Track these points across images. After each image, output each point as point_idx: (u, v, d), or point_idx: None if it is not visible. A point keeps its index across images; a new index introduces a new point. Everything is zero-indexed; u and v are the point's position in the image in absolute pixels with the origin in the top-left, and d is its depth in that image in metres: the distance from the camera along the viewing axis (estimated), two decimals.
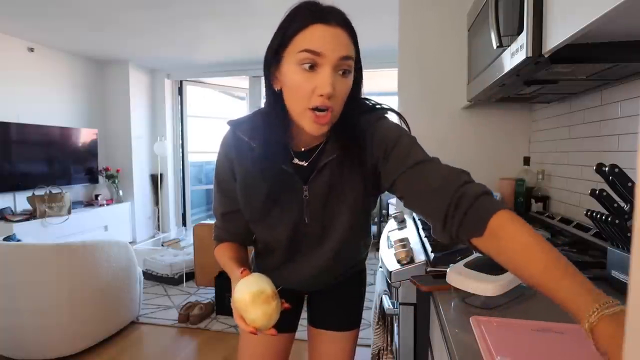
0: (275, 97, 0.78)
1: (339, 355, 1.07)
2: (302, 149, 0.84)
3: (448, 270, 0.85)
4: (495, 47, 1.10)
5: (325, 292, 1.05)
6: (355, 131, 0.81)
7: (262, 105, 0.86)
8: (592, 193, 0.94)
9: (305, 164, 0.84)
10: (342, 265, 0.99)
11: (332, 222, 0.87)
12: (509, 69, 1.03)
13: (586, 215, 0.95)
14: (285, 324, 1.06)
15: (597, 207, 0.94)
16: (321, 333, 1.08)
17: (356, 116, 0.82)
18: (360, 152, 0.81)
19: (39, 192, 3.63)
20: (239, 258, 0.89)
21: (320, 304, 1.08)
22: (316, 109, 0.72)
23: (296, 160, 0.84)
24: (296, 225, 0.86)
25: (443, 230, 0.68)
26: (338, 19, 0.72)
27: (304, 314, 1.13)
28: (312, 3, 0.74)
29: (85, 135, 4.37)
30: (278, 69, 0.76)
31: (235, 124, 0.85)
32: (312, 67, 0.71)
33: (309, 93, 0.72)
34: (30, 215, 3.53)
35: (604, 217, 0.89)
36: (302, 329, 1.11)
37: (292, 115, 0.77)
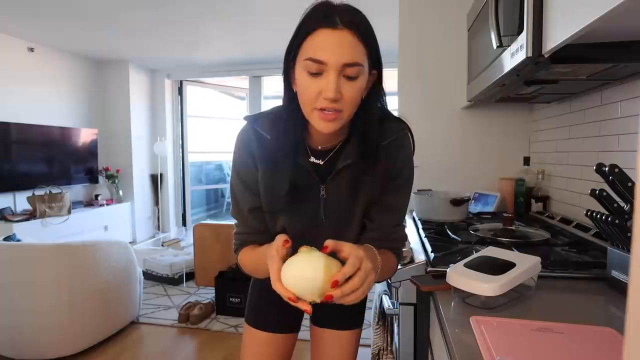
0: (292, 97, 0.80)
1: (341, 355, 1.07)
2: (319, 148, 0.86)
3: (448, 270, 0.85)
4: (495, 47, 1.10)
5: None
6: (376, 137, 0.82)
7: (268, 106, 0.88)
8: (592, 193, 0.94)
9: (322, 163, 0.85)
10: None
11: (347, 223, 0.89)
12: (509, 69, 1.03)
13: (586, 215, 0.95)
14: (288, 324, 1.06)
15: (597, 207, 0.94)
16: (324, 332, 1.08)
17: (377, 121, 0.83)
18: (379, 158, 0.83)
19: (39, 192, 3.63)
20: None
21: (324, 303, 1.08)
22: (323, 109, 0.74)
23: (312, 159, 0.86)
24: (312, 221, 0.87)
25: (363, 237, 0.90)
26: (346, 21, 0.71)
27: (307, 314, 1.13)
28: (324, 3, 0.74)
29: (85, 135, 4.37)
30: (293, 71, 0.78)
31: (252, 119, 0.87)
32: (317, 73, 0.72)
33: (315, 95, 0.73)
34: (30, 215, 3.53)
35: (604, 217, 0.89)
36: (304, 329, 1.11)
37: (304, 114, 0.78)
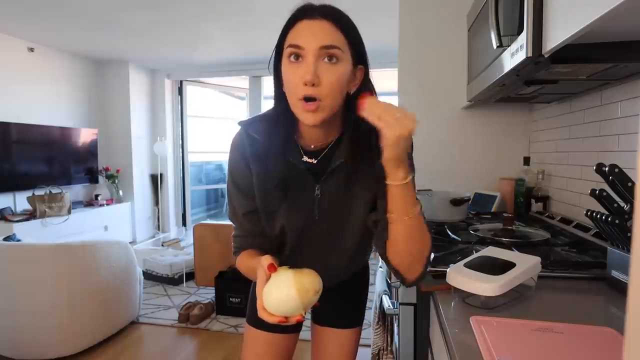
0: (281, 95, 0.81)
1: (342, 353, 1.07)
2: (312, 147, 0.86)
3: (448, 270, 0.85)
4: (495, 47, 1.10)
5: (329, 290, 1.06)
6: (368, 135, 0.82)
7: (268, 106, 0.89)
8: (592, 193, 0.94)
9: (315, 162, 0.85)
10: (350, 264, 0.99)
11: (342, 223, 0.88)
12: (509, 69, 1.03)
13: (586, 215, 0.95)
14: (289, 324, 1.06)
15: (597, 207, 0.94)
16: (325, 330, 1.08)
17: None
18: (375, 158, 0.82)
19: (39, 192, 3.63)
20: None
21: (325, 302, 1.08)
22: (305, 98, 0.74)
23: (306, 158, 0.86)
24: (308, 221, 0.87)
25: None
26: (323, 13, 0.75)
27: (307, 314, 1.13)
28: (305, 5, 0.77)
29: (85, 135, 4.37)
30: (280, 69, 0.79)
31: (246, 124, 0.87)
32: (297, 58, 0.75)
33: (296, 83, 0.74)
34: (30, 215, 3.53)
35: (604, 217, 0.89)
36: (305, 329, 1.12)
37: (292, 108, 0.79)
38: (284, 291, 0.68)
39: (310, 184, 0.85)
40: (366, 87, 0.82)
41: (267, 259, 0.72)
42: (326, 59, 0.73)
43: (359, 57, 0.79)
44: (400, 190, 0.73)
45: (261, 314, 0.71)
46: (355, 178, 0.84)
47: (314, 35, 0.73)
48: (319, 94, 0.74)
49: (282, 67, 0.78)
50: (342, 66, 0.75)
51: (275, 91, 0.84)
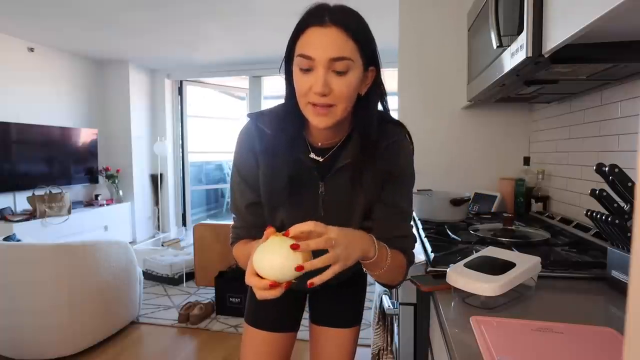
0: (292, 92, 0.81)
1: (340, 353, 1.07)
2: (319, 145, 0.87)
3: (448, 270, 0.85)
4: (495, 47, 1.10)
5: (328, 290, 1.06)
6: (376, 136, 0.83)
7: (267, 106, 0.91)
8: (592, 193, 0.94)
9: (321, 160, 0.86)
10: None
11: (345, 221, 0.89)
12: (509, 69, 1.03)
13: (586, 215, 0.95)
14: (287, 323, 1.07)
15: (597, 207, 0.94)
16: (323, 330, 1.08)
17: (376, 120, 0.84)
18: (379, 158, 0.84)
19: (39, 192, 3.62)
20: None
21: (323, 301, 1.09)
22: (315, 104, 0.76)
23: (313, 155, 0.87)
24: (310, 218, 0.87)
25: None
26: (335, 19, 0.73)
27: (306, 314, 1.13)
28: (318, 5, 0.77)
29: (85, 135, 4.36)
30: (291, 70, 0.80)
31: (256, 116, 0.88)
32: (308, 68, 0.75)
33: (306, 90, 0.75)
34: (30, 215, 3.53)
35: (604, 217, 0.89)
36: (304, 329, 1.12)
37: (300, 108, 0.79)
38: (281, 253, 0.66)
39: (315, 181, 0.86)
40: (375, 89, 0.83)
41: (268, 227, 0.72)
42: (337, 70, 0.73)
43: (370, 59, 0.79)
44: (367, 263, 0.78)
45: (249, 280, 0.69)
46: (359, 179, 0.85)
47: (324, 46, 0.72)
48: (330, 102, 0.75)
49: (293, 71, 0.78)
50: (352, 75, 0.75)
51: (286, 89, 0.84)
